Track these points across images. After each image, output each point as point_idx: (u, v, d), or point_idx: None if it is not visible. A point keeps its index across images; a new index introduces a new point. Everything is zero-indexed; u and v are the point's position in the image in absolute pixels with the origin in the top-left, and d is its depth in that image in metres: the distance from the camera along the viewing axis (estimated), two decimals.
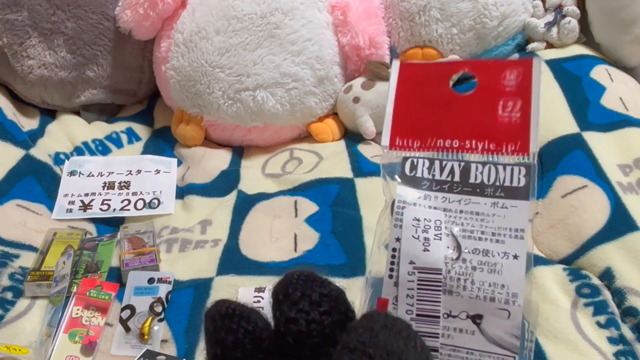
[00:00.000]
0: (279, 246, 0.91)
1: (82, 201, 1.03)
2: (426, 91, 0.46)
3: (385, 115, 0.48)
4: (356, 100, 1.15)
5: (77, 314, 0.80)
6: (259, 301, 0.79)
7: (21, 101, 1.24)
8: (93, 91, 1.24)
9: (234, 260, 0.89)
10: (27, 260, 0.88)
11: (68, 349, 0.76)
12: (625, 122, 0.99)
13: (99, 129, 1.23)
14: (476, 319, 0.47)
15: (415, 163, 0.46)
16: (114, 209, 1.02)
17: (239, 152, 1.18)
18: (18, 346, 0.74)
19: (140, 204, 1.03)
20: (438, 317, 0.47)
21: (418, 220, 0.47)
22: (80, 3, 1.19)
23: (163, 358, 0.73)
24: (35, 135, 1.15)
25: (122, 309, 0.81)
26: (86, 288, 0.83)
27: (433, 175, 0.47)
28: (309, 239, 0.91)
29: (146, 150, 1.19)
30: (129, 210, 1.02)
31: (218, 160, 1.14)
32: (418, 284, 0.47)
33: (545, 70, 1.12)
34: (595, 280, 0.81)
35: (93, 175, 1.09)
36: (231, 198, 1.02)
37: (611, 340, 0.74)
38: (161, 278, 0.85)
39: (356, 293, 0.81)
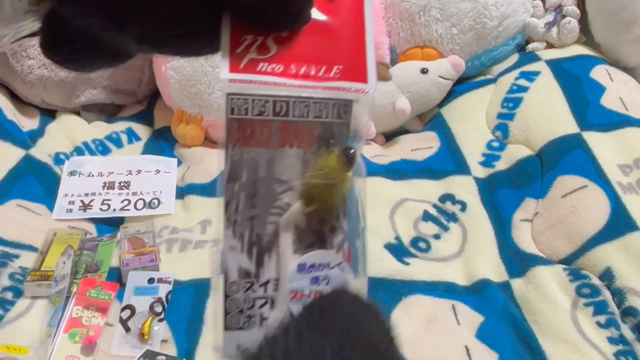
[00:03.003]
0: None
1: (82, 201, 1.03)
2: None
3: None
4: (356, 100, 1.15)
5: (77, 314, 0.80)
6: None
7: (21, 101, 1.24)
8: (93, 91, 1.24)
9: None
10: (27, 260, 0.88)
11: (68, 349, 0.76)
12: (625, 122, 0.99)
13: (99, 129, 1.22)
14: None
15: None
16: (114, 209, 1.02)
17: None
18: (18, 346, 0.74)
19: (140, 204, 1.03)
20: None
21: None
22: None
23: (163, 358, 0.73)
24: (35, 135, 1.15)
25: (122, 309, 0.81)
26: (86, 288, 0.83)
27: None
28: None
29: (146, 150, 1.19)
30: (129, 210, 1.02)
31: (218, 160, 1.13)
32: None
33: (545, 70, 1.12)
34: (595, 280, 0.81)
35: (93, 175, 1.09)
36: None
37: (611, 340, 0.74)
38: (161, 278, 0.85)
39: None
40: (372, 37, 0.41)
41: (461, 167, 1.03)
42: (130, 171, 1.10)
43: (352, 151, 0.42)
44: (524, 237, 0.90)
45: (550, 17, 1.20)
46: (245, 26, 0.39)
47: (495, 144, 1.06)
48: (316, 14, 0.40)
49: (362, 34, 0.41)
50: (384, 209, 0.95)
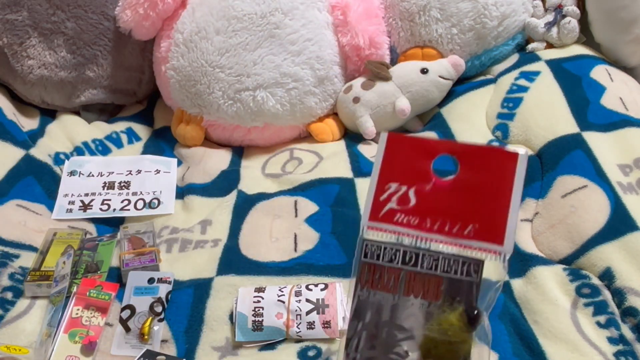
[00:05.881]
0: (279, 246, 0.91)
1: (82, 201, 1.03)
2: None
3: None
4: (356, 100, 1.15)
5: (77, 314, 0.80)
6: (258, 301, 0.79)
7: (21, 101, 1.24)
8: (93, 91, 1.24)
9: (234, 260, 0.89)
10: (27, 260, 0.88)
11: (68, 349, 0.76)
12: (625, 122, 0.99)
13: (99, 129, 1.23)
14: None
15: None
16: (114, 209, 1.02)
17: (239, 152, 1.18)
18: (18, 346, 0.74)
19: (140, 204, 1.03)
20: None
21: None
22: (80, 3, 1.19)
23: (163, 358, 0.73)
24: (35, 135, 1.15)
25: (122, 309, 0.81)
26: (86, 288, 0.83)
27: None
28: (309, 239, 0.91)
29: (146, 150, 1.19)
30: (129, 210, 1.02)
31: (218, 160, 1.14)
32: None
33: (545, 70, 1.12)
34: (595, 280, 0.81)
35: (93, 175, 1.09)
36: (231, 198, 1.02)
37: (611, 340, 0.74)
38: (161, 278, 0.85)
39: None
40: (518, 202, 0.41)
41: None
42: (130, 171, 1.10)
43: (476, 312, 0.42)
44: (524, 237, 0.90)
45: (550, 17, 1.20)
46: (393, 174, 0.42)
47: (495, 144, 1.06)
48: (462, 173, 0.41)
49: (507, 197, 0.41)
50: None
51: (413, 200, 0.42)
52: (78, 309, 0.80)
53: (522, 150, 0.42)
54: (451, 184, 0.41)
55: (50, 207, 1.02)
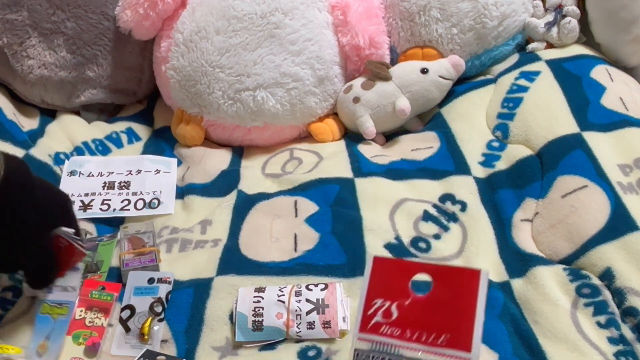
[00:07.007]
0: (279, 246, 0.91)
1: (82, 201, 1.03)
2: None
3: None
4: (356, 100, 1.15)
5: (80, 315, 0.80)
6: (259, 301, 0.79)
7: (21, 101, 1.24)
8: (93, 91, 1.24)
9: (234, 260, 0.89)
10: None
11: (72, 352, 0.76)
12: (625, 122, 0.99)
13: (99, 129, 1.22)
14: None
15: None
16: (114, 209, 1.02)
17: (239, 152, 1.18)
18: (10, 346, 0.73)
19: (140, 204, 1.03)
20: None
21: None
22: (80, 3, 1.19)
23: (163, 358, 0.73)
24: (35, 135, 1.15)
25: (122, 309, 0.81)
26: (88, 289, 0.83)
27: None
28: (309, 239, 0.91)
29: (146, 150, 1.19)
30: (129, 210, 1.02)
31: (218, 160, 1.14)
32: None
33: (546, 70, 1.12)
34: (596, 280, 0.81)
35: (93, 175, 1.09)
36: (231, 198, 1.02)
37: (611, 340, 0.74)
38: (161, 278, 0.85)
39: (356, 293, 0.81)
40: (482, 314, 0.48)
41: (461, 167, 1.03)
42: (130, 171, 1.10)
43: None
44: (524, 237, 0.90)
45: (550, 17, 1.20)
46: (378, 291, 0.50)
47: (496, 144, 1.06)
48: (435, 290, 0.49)
49: (473, 310, 0.48)
50: (384, 209, 0.95)
51: (395, 314, 0.49)
52: (81, 311, 0.80)
53: (484, 269, 0.49)
54: (427, 299, 0.49)
55: None
